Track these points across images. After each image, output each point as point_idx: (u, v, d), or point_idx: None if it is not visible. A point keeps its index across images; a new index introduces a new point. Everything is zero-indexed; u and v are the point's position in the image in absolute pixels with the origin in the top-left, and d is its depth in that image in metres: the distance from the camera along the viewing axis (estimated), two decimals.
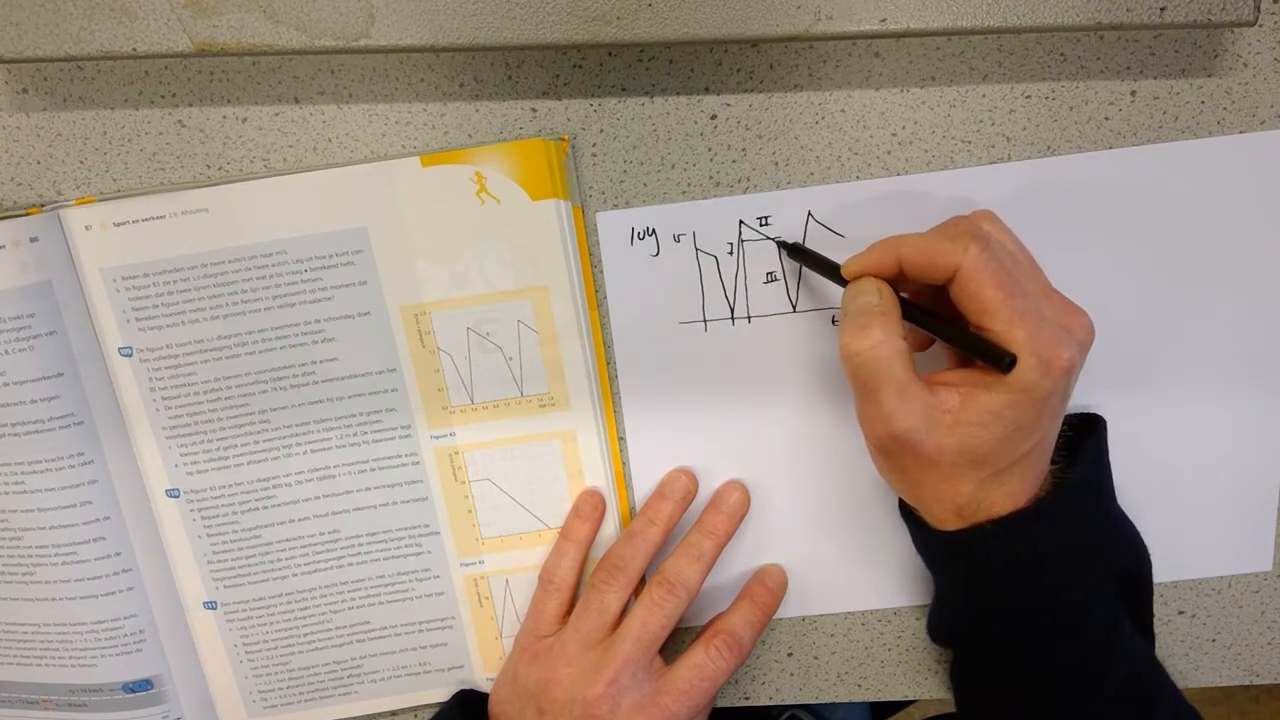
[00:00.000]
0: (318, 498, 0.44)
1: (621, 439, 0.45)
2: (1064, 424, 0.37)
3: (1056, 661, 0.38)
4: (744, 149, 0.41)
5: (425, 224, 0.41)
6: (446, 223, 0.41)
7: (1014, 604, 0.38)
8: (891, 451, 0.36)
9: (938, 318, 0.37)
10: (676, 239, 0.42)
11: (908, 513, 0.41)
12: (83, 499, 0.43)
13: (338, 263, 0.41)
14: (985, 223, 0.37)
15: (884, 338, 0.35)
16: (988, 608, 0.39)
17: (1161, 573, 0.45)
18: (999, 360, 0.33)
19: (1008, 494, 0.36)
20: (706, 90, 0.41)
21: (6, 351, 0.41)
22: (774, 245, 0.42)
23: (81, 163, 0.41)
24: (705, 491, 0.45)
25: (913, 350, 0.37)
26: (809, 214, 0.41)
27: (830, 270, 0.39)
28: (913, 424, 0.35)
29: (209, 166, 0.41)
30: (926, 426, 0.35)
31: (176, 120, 0.41)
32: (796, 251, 0.41)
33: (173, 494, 0.44)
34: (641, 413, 0.44)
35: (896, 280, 0.37)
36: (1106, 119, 0.41)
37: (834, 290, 0.42)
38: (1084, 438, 0.40)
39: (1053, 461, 0.38)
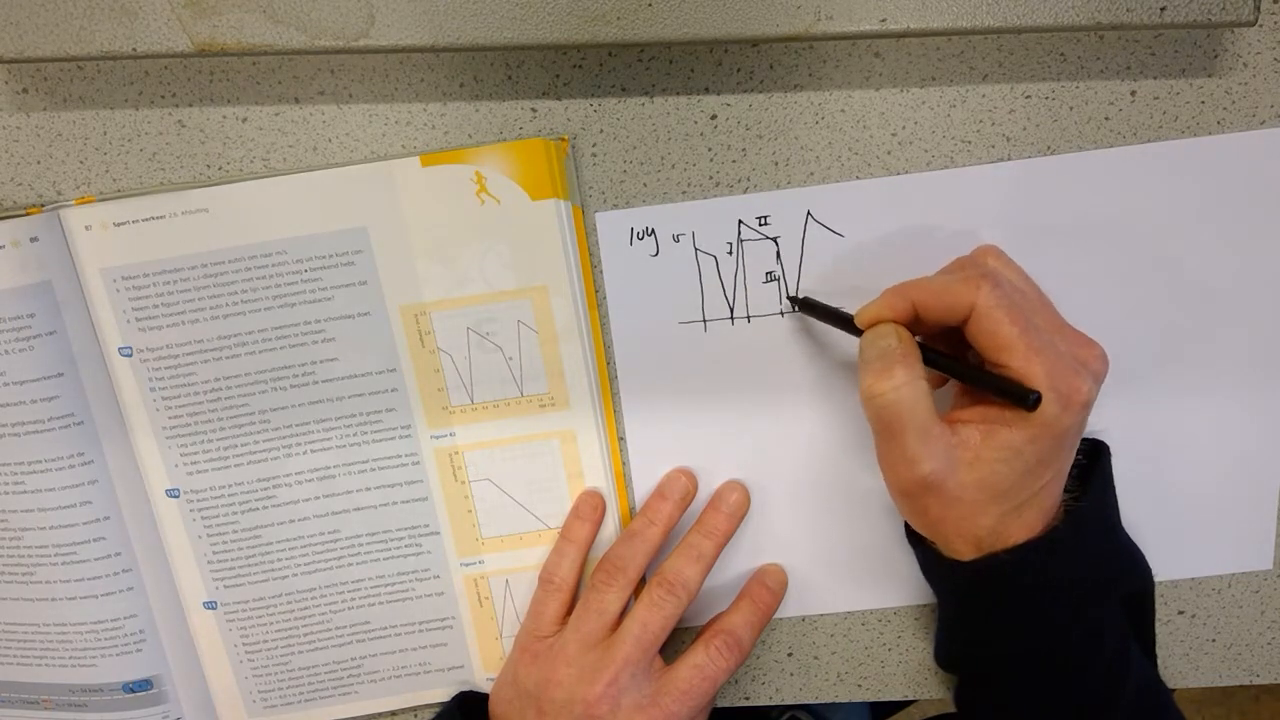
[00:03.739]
0: (318, 498, 0.44)
1: (621, 439, 0.45)
2: None
3: (1070, 686, 0.38)
4: (744, 149, 0.41)
5: (425, 224, 0.41)
6: (446, 223, 0.41)
7: (1028, 630, 0.38)
8: (915, 494, 0.36)
9: (956, 359, 0.37)
10: (676, 239, 0.42)
11: (917, 541, 0.41)
12: (83, 499, 0.43)
13: (338, 263, 0.41)
14: (991, 259, 0.37)
15: (907, 379, 0.35)
16: (1001, 634, 0.39)
17: (1161, 572, 0.45)
18: (1023, 399, 0.33)
19: (1024, 524, 0.36)
20: (706, 90, 0.41)
21: (6, 351, 0.41)
22: (773, 244, 0.42)
23: (81, 163, 0.41)
24: (705, 491, 0.45)
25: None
26: (809, 214, 0.41)
27: (842, 321, 0.39)
28: (937, 465, 0.35)
29: (209, 166, 0.41)
30: (949, 467, 0.35)
31: (176, 120, 0.41)
32: (807, 305, 0.41)
33: (173, 494, 0.44)
34: (641, 413, 0.44)
35: (909, 324, 0.37)
36: (1106, 119, 0.41)
37: (836, 286, 0.42)
38: (1091, 465, 0.40)
39: (1064, 490, 0.38)
